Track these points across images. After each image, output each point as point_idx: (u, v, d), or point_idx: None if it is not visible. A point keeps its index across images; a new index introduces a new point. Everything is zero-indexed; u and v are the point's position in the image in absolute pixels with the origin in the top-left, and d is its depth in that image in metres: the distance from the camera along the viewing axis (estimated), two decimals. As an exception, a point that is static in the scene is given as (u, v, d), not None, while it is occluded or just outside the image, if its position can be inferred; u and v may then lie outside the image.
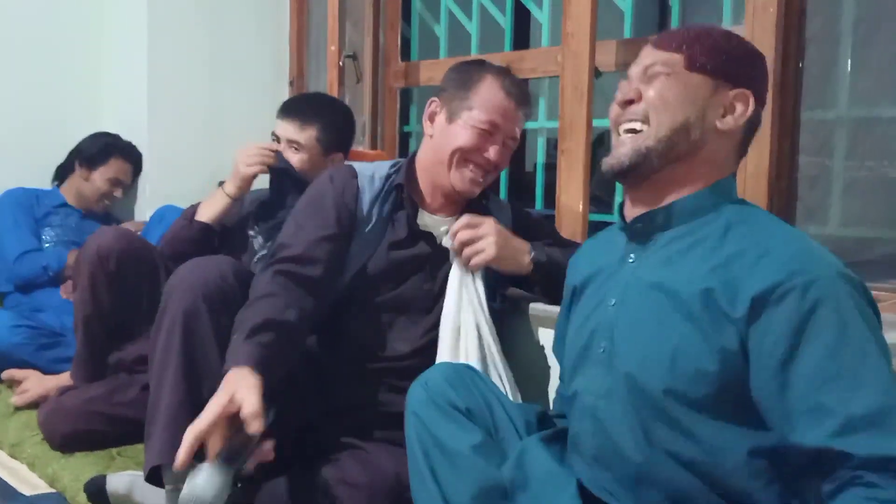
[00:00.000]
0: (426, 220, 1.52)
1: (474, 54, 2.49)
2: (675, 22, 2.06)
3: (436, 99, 1.52)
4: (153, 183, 2.67)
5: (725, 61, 1.03)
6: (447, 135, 1.47)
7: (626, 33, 2.14)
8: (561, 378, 1.29)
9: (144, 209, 2.64)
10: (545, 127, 2.36)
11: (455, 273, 1.45)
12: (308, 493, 1.33)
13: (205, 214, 1.84)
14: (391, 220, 1.49)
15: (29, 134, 2.61)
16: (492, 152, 1.45)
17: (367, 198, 1.48)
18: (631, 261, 1.07)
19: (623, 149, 1.04)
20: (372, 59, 2.61)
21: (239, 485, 1.35)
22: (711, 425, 0.95)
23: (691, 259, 0.99)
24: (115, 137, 2.57)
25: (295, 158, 1.85)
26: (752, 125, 1.06)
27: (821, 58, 1.77)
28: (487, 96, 1.45)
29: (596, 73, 1.99)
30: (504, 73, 1.50)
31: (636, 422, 0.99)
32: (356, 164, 1.54)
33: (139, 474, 1.45)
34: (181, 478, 1.17)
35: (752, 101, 1.03)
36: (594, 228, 2.18)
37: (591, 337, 1.08)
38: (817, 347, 0.87)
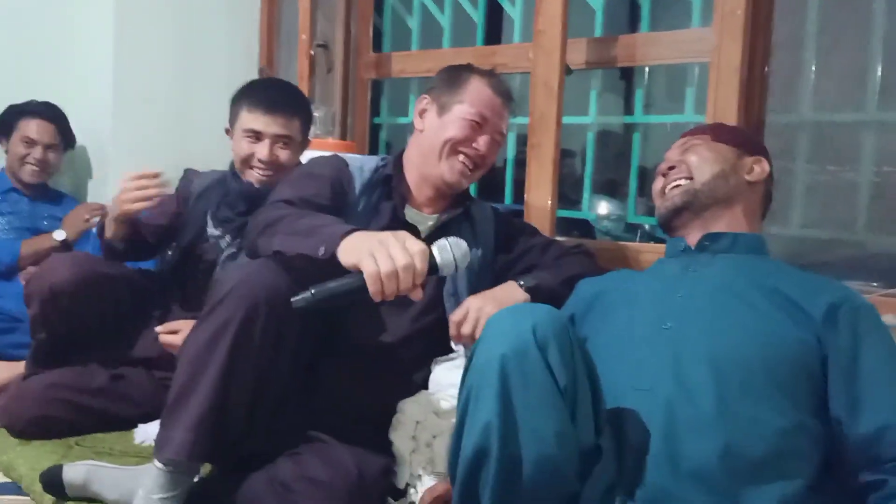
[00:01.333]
0: (412, 214, 1.57)
1: (446, 48, 2.49)
2: (644, 23, 2.08)
3: (426, 96, 1.60)
4: (119, 171, 2.61)
5: (741, 137, 1.39)
6: (438, 127, 1.54)
7: (597, 32, 2.16)
8: None
9: (110, 198, 2.59)
10: (515, 123, 2.37)
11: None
12: (267, 487, 1.32)
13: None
14: (377, 210, 1.52)
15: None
16: (481, 143, 1.53)
17: (357, 185, 1.53)
18: (693, 271, 1.26)
19: (673, 194, 1.34)
20: (343, 50, 2.59)
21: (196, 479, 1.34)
22: (778, 404, 1.08)
23: (752, 274, 1.22)
24: (27, 103, 2.47)
25: (285, 154, 1.81)
26: (770, 182, 1.38)
27: (786, 63, 1.81)
28: (476, 92, 1.55)
29: (567, 70, 2.00)
30: (491, 74, 1.61)
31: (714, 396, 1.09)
32: (344, 155, 1.59)
33: (98, 464, 1.43)
34: (188, 480, 1.27)
35: (766, 164, 1.36)
36: (562, 225, 2.20)
37: (656, 317, 1.20)
38: (874, 353, 1.11)
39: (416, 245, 1.12)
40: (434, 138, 1.54)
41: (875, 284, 1.65)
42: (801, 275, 1.22)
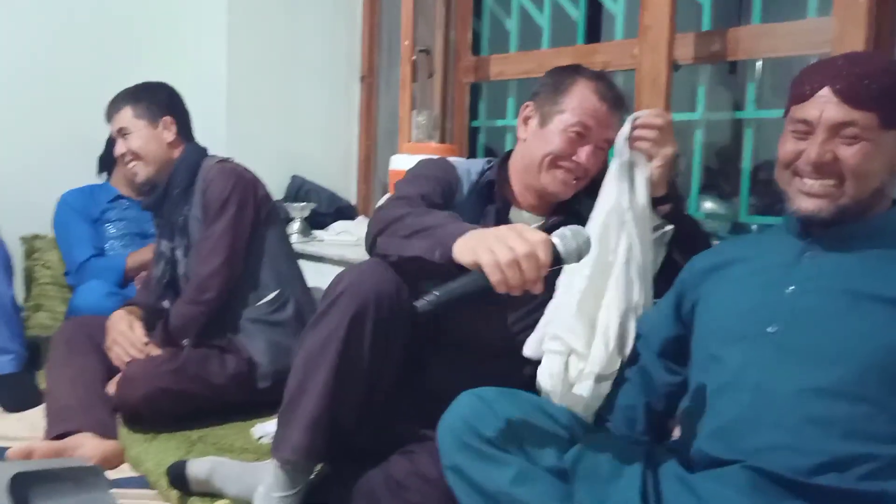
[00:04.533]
0: (516, 216, 1.55)
1: (545, 48, 2.47)
2: (756, 15, 2.00)
3: (530, 103, 1.54)
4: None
5: None
6: (539, 139, 1.49)
7: (705, 26, 2.09)
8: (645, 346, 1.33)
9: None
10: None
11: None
12: (382, 484, 1.35)
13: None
14: (483, 214, 1.52)
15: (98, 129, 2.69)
16: (582, 156, 1.46)
17: (464, 188, 1.52)
18: (810, 257, 1.11)
19: (820, 202, 1.08)
20: (443, 54, 2.61)
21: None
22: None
23: (878, 265, 1.06)
24: None
25: (130, 142, 1.97)
26: None
27: (915, 50, 1.70)
28: (579, 100, 1.46)
29: (675, 66, 1.95)
30: (598, 76, 1.50)
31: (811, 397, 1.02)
32: (451, 159, 1.58)
33: (220, 460, 1.50)
34: (305, 477, 1.33)
35: None
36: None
37: (760, 317, 1.10)
38: None
39: (536, 234, 1.08)
40: (535, 150, 1.49)
41: None
42: None
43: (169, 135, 2.00)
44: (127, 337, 1.90)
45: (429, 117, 2.52)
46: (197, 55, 2.87)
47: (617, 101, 1.49)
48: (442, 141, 2.61)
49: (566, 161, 1.47)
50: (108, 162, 2.58)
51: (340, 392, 1.32)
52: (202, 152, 2.04)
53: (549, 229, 1.51)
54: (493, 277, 1.06)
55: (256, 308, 1.94)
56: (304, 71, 2.93)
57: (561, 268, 1.16)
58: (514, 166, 1.56)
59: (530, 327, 1.43)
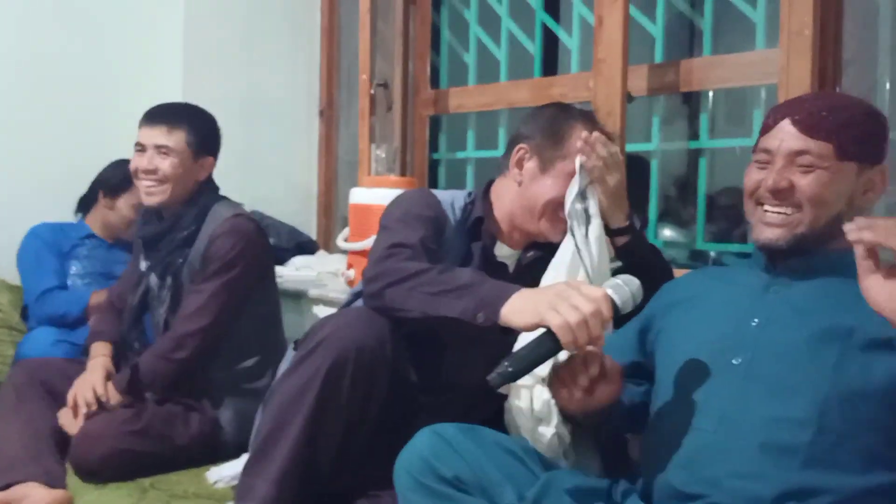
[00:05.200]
0: (502, 251, 1.53)
1: (503, 81, 2.50)
2: (706, 47, 2.04)
3: (524, 145, 1.50)
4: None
5: (871, 145, 1.12)
6: (540, 185, 1.46)
7: (658, 58, 2.13)
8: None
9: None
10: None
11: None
12: None
13: None
14: (469, 251, 1.49)
15: (65, 168, 2.62)
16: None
17: (451, 226, 1.49)
18: (774, 293, 1.13)
19: (778, 231, 1.12)
20: (402, 88, 2.62)
21: None
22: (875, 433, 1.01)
23: (840, 298, 1.07)
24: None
25: (165, 163, 1.85)
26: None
27: (858, 81, 1.74)
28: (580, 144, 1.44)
29: (628, 97, 1.97)
30: (590, 117, 1.52)
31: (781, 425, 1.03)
32: (434, 192, 1.55)
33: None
34: None
35: (887, 172, 1.13)
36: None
37: (724, 349, 1.12)
38: None
39: (594, 290, 1.10)
40: (536, 196, 1.46)
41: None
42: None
43: (203, 174, 1.93)
44: (94, 394, 1.79)
45: (388, 150, 2.52)
46: (153, 90, 2.83)
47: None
48: (402, 174, 2.61)
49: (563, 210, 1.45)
50: (87, 203, 2.54)
51: (315, 444, 1.29)
52: (218, 197, 1.97)
53: (526, 263, 1.53)
54: (565, 339, 1.07)
55: (232, 372, 1.87)
56: (263, 105, 2.92)
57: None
58: (506, 206, 1.52)
59: None
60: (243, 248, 1.84)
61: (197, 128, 1.92)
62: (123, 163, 2.52)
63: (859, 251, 0.96)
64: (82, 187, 2.53)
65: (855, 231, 0.94)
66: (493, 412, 1.45)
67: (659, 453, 1.13)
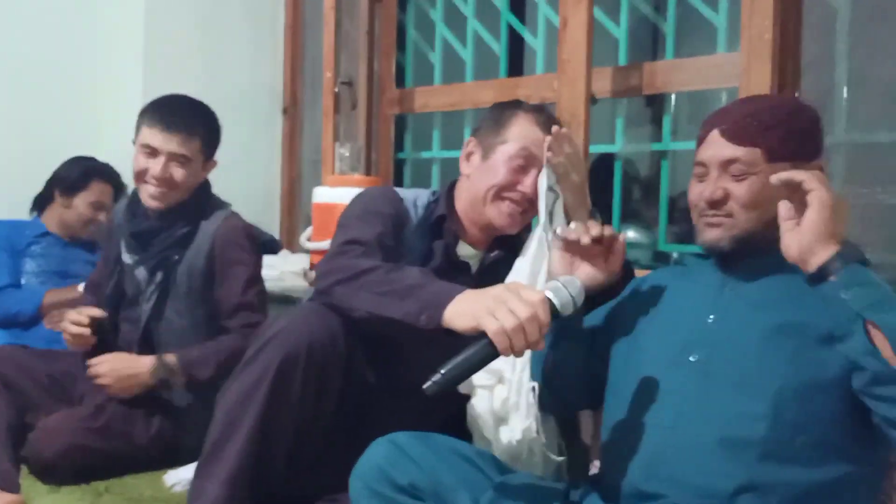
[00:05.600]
0: (465, 250, 1.52)
1: (469, 81, 2.49)
2: (669, 51, 2.06)
3: (472, 139, 1.53)
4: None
5: (801, 143, 1.11)
6: (483, 172, 1.47)
7: (622, 60, 2.14)
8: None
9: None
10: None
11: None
12: None
13: None
14: (431, 249, 1.48)
15: (21, 166, 2.57)
16: (527, 184, 1.45)
17: (413, 223, 1.48)
18: (730, 289, 1.14)
19: (717, 231, 1.13)
20: (367, 86, 2.60)
21: None
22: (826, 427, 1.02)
23: (794, 296, 1.08)
24: (92, 160, 2.47)
25: (180, 172, 1.80)
26: None
27: (817, 84, 1.77)
28: (520, 129, 1.47)
29: (592, 99, 1.98)
30: (537, 109, 1.53)
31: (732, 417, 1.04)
32: (396, 189, 1.54)
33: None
34: None
35: (824, 167, 1.12)
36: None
37: (681, 346, 1.13)
38: None
39: (533, 294, 1.08)
40: (479, 184, 1.47)
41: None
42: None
43: (205, 176, 1.89)
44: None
45: (352, 149, 2.49)
46: (111, 87, 2.78)
47: None
48: (367, 173, 2.59)
49: (511, 192, 1.45)
50: (43, 201, 2.46)
51: (266, 443, 1.26)
52: (212, 195, 1.93)
53: (489, 263, 1.52)
54: (501, 345, 1.05)
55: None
56: (225, 102, 2.82)
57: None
58: (460, 202, 1.53)
59: None
60: (254, 250, 1.87)
61: (210, 133, 1.88)
62: (80, 160, 2.47)
63: (781, 211, 1.02)
64: (38, 185, 2.47)
65: (774, 177, 1.01)
66: (452, 414, 1.44)
67: (620, 452, 1.13)
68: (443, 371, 1.06)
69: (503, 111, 1.51)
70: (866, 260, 1.00)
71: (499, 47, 2.46)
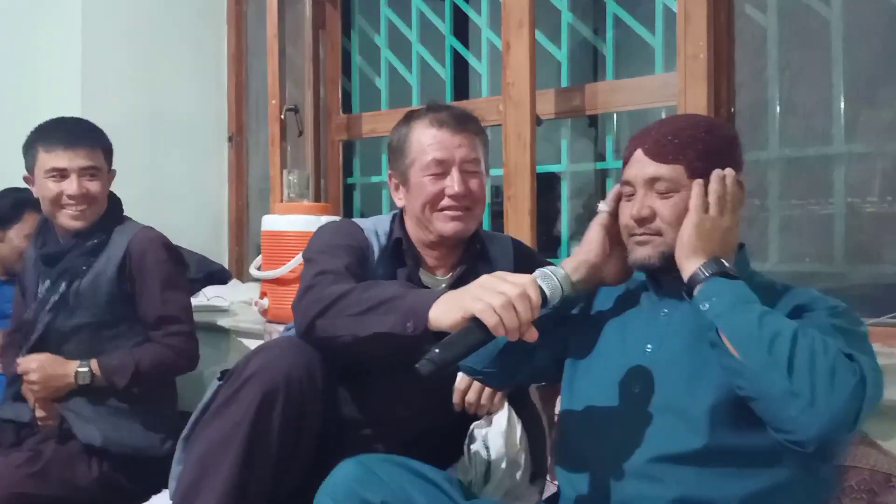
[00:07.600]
0: (426, 278, 1.49)
1: (416, 105, 2.51)
2: (609, 72, 2.12)
3: (390, 172, 1.52)
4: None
5: (718, 157, 1.13)
6: (412, 197, 1.45)
7: (564, 82, 2.19)
8: None
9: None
10: (490, 175, 2.38)
11: None
12: None
13: None
14: (395, 278, 1.45)
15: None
16: (455, 184, 1.41)
17: (375, 252, 1.45)
18: (664, 314, 1.17)
19: (646, 249, 1.15)
20: (313, 113, 2.60)
21: None
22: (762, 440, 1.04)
23: None
24: (23, 191, 2.29)
25: (94, 185, 1.80)
26: (743, 195, 1.17)
27: (751, 102, 1.84)
28: (418, 142, 1.43)
29: (537, 120, 2.02)
30: (428, 108, 1.48)
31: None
32: (356, 221, 1.52)
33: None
34: None
35: (743, 179, 1.15)
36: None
37: (625, 376, 1.15)
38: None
39: (521, 276, 1.05)
40: (413, 208, 1.46)
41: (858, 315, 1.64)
42: (772, 289, 1.14)
43: (110, 186, 1.88)
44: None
45: (301, 176, 2.48)
46: (49, 115, 2.71)
47: (459, 120, 1.44)
48: (316, 199, 2.58)
49: (442, 200, 1.43)
50: None
51: (245, 484, 1.22)
52: (120, 208, 1.94)
53: (456, 280, 1.48)
54: (490, 321, 1.00)
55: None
56: (169, 130, 2.83)
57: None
58: (409, 228, 1.51)
59: (447, 398, 1.40)
60: (175, 258, 1.89)
61: (106, 141, 1.88)
62: (9, 192, 2.37)
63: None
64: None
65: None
66: (428, 451, 1.43)
67: (570, 473, 1.17)
68: (437, 349, 1.01)
69: (398, 133, 1.48)
70: (729, 272, 1.06)
71: (444, 71, 2.49)
